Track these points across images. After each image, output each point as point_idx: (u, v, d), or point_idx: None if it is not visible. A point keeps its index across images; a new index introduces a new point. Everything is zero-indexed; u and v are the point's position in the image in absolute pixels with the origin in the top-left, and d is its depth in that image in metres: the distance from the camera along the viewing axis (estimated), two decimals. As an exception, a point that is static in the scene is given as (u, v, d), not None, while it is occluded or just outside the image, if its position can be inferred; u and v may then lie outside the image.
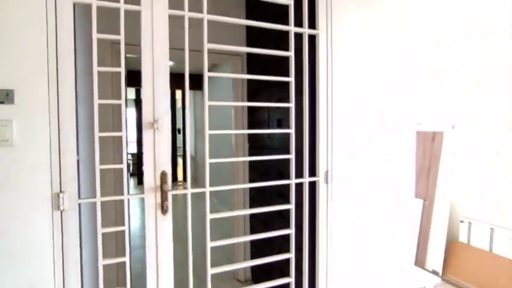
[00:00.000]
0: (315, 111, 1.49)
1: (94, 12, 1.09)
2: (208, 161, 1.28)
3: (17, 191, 1.01)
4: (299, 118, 1.46)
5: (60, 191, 1.06)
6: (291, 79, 1.40)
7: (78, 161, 1.16)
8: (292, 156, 1.42)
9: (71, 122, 1.07)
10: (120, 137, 1.16)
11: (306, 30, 1.43)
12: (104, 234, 1.12)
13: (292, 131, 1.42)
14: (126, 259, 1.16)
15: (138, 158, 6.74)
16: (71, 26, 1.07)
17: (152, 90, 1.17)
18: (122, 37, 1.13)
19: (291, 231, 1.44)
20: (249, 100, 2.55)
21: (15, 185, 1.01)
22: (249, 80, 2.56)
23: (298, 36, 1.44)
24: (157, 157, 1.19)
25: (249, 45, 2.57)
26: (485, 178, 2.64)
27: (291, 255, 1.44)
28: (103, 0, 1.11)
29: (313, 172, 1.50)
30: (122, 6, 1.13)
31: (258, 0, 1.36)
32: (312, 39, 1.47)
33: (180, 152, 7.23)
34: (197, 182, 6.75)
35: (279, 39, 1.77)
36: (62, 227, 1.07)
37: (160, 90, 1.18)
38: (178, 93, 6.88)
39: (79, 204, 1.10)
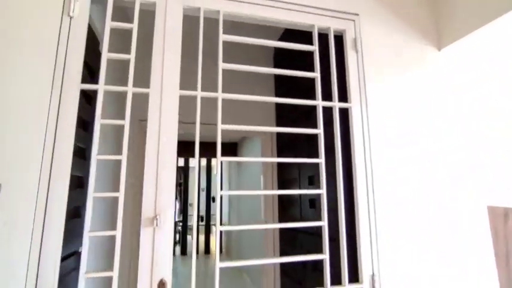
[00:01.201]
0: (352, 198, 1.22)
1: (100, 98, 1.02)
2: (218, 265, 1.03)
3: (-19, 309, 0.83)
4: (334, 205, 1.20)
5: (34, 308, 0.86)
6: (321, 160, 1.18)
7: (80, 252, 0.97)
8: (325, 256, 1.13)
9: (59, 218, 0.92)
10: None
11: (336, 104, 1.25)
12: None
13: (324, 223, 1.15)
14: None
15: (183, 226, 6.57)
16: (75, 113, 0.99)
17: (155, 182, 1.01)
18: (126, 122, 1.03)
19: None
20: (280, 181, 2.35)
21: (-21, 301, 0.83)
22: (278, 155, 2.39)
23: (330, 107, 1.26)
24: (156, 261, 0.97)
25: (278, 114, 2.46)
26: None
27: None
28: (110, 85, 1.04)
29: (354, 274, 1.17)
30: (130, 90, 1.05)
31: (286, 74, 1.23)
32: (345, 111, 1.28)
33: (213, 221, 6.99)
34: (230, 253, 6.33)
35: (310, 111, 1.62)
36: None
37: (163, 181, 1.02)
38: (214, 160, 6.93)
39: (56, 324, 0.89)
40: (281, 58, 2.45)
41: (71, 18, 1.02)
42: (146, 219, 0.98)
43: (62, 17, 1.02)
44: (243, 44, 1.21)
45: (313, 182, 1.75)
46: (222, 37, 1.16)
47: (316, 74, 1.24)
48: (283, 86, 2.36)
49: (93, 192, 0.96)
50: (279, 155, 2.36)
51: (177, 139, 1.06)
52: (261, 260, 1.09)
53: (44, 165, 0.93)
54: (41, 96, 0.96)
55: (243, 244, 5.08)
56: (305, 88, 1.75)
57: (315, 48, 1.26)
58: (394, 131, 1.29)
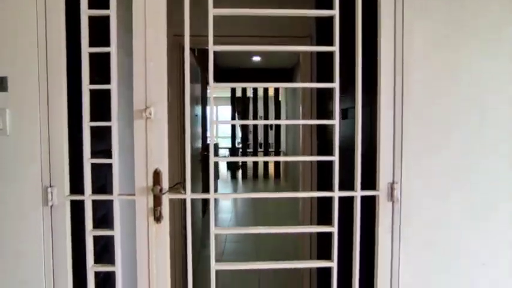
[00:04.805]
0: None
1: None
2: (212, 159, 1.00)
3: (8, 183, 0.97)
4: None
5: (50, 185, 0.97)
6: (335, 85, 0.98)
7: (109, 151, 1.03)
8: (335, 158, 1.00)
9: (61, 112, 0.97)
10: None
11: None
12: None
13: (335, 121, 1.00)
14: (117, 269, 1.00)
15: (243, 153, 6.91)
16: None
17: (144, 72, 0.97)
18: (112, 14, 0.96)
19: (332, 264, 1.02)
20: (319, 113, 2.16)
21: (5, 176, 0.97)
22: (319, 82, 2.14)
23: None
24: (150, 151, 0.98)
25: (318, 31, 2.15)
26: None
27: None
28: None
29: (370, 182, 1.04)
30: (113, -26, 0.96)
31: None
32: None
33: (271, 148, 7.16)
34: (287, 178, 6.56)
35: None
36: (51, 224, 0.99)
37: (152, 72, 0.96)
38: (271, 90, 6.79)
39: (71, 201, 1.00)
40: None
41: None
42: (137, 111, 0.97)
43: None
44: None
45: (347, 116, 1.50)
46: None
47: None
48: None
49: (88, 85, 0.97)
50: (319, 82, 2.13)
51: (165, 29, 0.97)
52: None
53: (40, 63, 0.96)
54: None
55: (297, 171, 5.18)
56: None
57: None
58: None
